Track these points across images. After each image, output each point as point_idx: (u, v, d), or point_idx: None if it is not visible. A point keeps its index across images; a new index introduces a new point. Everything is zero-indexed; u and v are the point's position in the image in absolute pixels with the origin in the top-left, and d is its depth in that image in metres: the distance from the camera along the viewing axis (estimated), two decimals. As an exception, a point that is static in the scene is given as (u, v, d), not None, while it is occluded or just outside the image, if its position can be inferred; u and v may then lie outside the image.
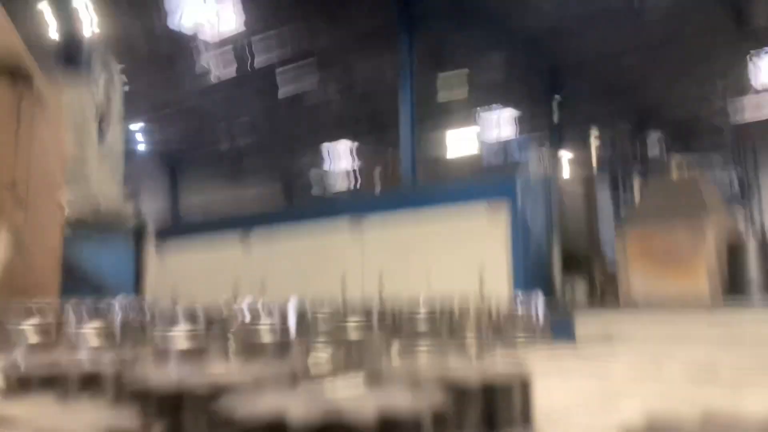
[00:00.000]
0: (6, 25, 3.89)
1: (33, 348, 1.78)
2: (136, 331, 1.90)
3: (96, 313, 1.72)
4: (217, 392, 0.53)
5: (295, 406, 0.41)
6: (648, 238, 8.23)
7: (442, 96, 21.99)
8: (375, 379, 0.57)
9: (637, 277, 8.24)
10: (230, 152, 28.53)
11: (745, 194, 17.00)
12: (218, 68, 19.51)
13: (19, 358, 1.72)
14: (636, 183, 18.63)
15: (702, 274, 7.81)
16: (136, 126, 24.60)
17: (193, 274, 11.48)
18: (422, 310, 2.12)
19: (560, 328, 6.75)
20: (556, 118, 21.29)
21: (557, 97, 21.06)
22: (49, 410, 0.44)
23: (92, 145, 4.96)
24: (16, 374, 0.62)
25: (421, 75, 17.99)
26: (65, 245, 4.14)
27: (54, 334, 1.82)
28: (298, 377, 0.60)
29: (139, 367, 0.71)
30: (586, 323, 7.39)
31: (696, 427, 0.37)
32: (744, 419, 0.39)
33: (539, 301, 2.40)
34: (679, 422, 0.38)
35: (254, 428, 0.39)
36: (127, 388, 0.56)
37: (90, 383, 0.65)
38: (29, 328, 1.80)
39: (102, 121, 5.06)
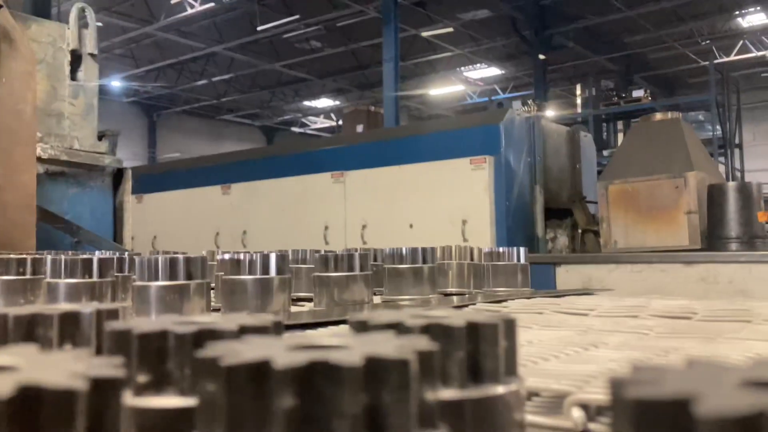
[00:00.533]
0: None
1: (12, 299, 1.77)
2: (117, 280, 1.89)
3: (75, 263, 1.70)
4: (200, 340, 0.53)
5: (280, 352, 0.40)
6: (630, 188, 8.28)
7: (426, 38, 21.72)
8: (359, 327, 0.57)
9: (619, 228, 8.32)
10: (209, 90, 28.16)
11: (727, 144, 17.16)
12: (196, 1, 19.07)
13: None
14: (620, 134, 18.71)
15: (683, 225, 7.90)
16: (110, 65, 24.13)
17: (173, 221, 11.43)
18: (405, 261, 2.12)
19: (542, 278, 6.83)
20: (540, 72, 21.24)
21: (541, 56, 21.00)
22: (31, 360, 0.43)
23: (64, 82, 4.82)
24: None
25: (403, 32, 17.71)
26: (39, 188, 4.02)
27: (33, 285, 1.80)
28: (281, 325, 0.60)
29: (121, 317, 0.70)
30: (568, 274, 7.48)
31: (679, 374, 0.37)
32: (725, 365, 0.39)
33: (521, 251, 2.41)
34: (662, 370, 0.38)
35: (239, 375, 0.39)
36: (110, 338, 0.55)
37: (72, 333, 0.65)
38: (7, 280, 1.78)
39: (74, 57, 4.88)
